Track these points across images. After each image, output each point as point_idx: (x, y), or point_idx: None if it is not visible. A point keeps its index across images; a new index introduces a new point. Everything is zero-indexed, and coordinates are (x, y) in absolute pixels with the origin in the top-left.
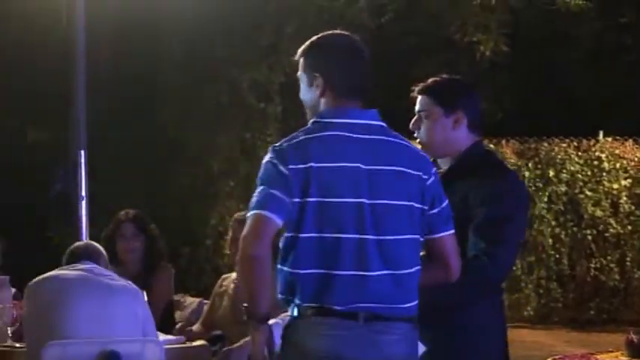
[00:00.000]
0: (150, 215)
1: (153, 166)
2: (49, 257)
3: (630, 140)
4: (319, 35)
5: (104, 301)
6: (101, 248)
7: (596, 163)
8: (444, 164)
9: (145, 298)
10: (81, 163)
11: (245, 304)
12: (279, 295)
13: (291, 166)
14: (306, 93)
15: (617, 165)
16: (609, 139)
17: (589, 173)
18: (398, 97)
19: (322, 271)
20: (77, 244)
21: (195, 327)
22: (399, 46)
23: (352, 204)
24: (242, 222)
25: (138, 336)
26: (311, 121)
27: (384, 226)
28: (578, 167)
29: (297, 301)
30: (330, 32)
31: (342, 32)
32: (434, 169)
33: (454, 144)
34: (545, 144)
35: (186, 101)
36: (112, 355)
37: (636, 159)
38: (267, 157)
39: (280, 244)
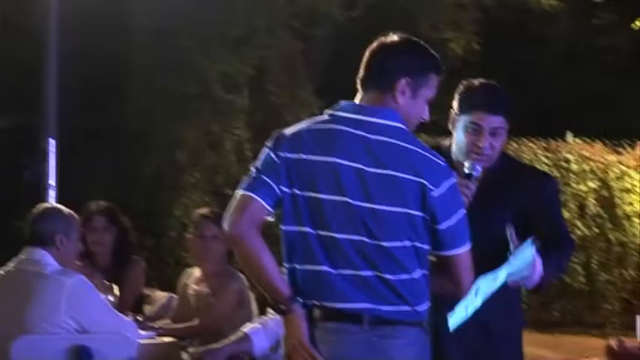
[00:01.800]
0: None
1: (118, 156)
2: (17, 247)
3: (599, 142)
4: None
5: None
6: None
7: (564, 164)
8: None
9: (117, 291)
10: (50, 151)
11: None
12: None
13: (282, 155)
14: None
15: (585, 167)
16: (578, 140)
17: (557, 174)
18: None
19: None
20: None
21: (165, 322)
22: (369, 41)
23: (335, 202)
24: (206, 217)
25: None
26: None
27: (377, 230)
28: (546, 168)
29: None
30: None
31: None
32: (449, 182)
33: None
34: (514, 144)
35: (154, 92)
36: (83, 350)
37: (604, 161)
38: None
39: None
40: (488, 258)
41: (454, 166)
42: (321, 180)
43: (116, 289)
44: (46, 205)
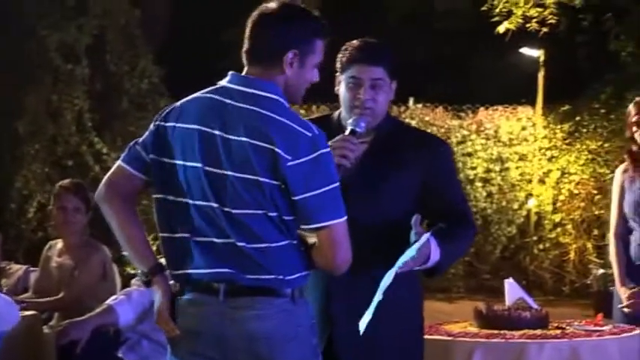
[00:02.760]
0: None
1: None
2: None
3: (440, 107)
4: None
5: None
6: None
7: None
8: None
9: None
10: None
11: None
12: None
13: (158, 123)
14: None
15: (428, 131)
16: (419, 105)
17: None
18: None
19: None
20: None
21: (27, 295)
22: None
23: (188, 167)
24: (69, 189)
25: None
26: None
27: (226, 197)
28: None
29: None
30: None
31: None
32: (314, 154)
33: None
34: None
35: None
36: None
37: (446, 126)
38: None
39: None
40: (376, 234)
41: (344, 131)
42: (179, 147)
43: None
44: None
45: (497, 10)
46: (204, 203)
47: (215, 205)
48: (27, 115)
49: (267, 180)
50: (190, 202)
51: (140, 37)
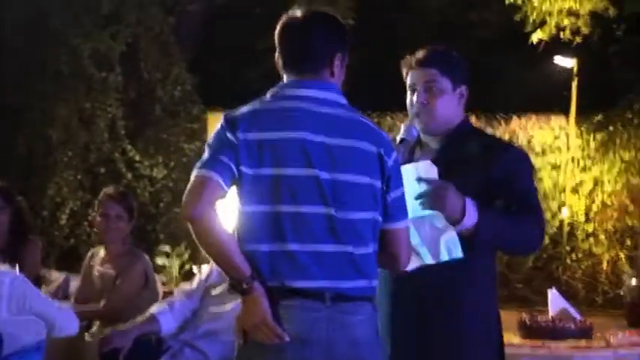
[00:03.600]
0: None
1: None
2: None
3: (473, 116)
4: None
5: None
6: None
7: None
8: (434, 143)
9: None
10: None
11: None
12: None
13: (240, 135)
14: None
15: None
16: None
17: None
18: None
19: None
20: None
21: (69, 303)
22: (246, 18)
23: (304, 176)
24: (113, 196)
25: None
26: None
27: (344, 202)
28: None
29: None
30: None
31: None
32: (395, 153)
33: (453, 121)
34: (388, 118)
35: (27, 69)
36: None
37: None
38: (218, 124)
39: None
40: None
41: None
42: (288, 156)
43: (17, 271)
44: None
45: (531, 20)
46: (316, 210)
47: (328, 211)
48: (60, 123)
49: (378, 182)
50: (304, 210)
51: (174, 44)
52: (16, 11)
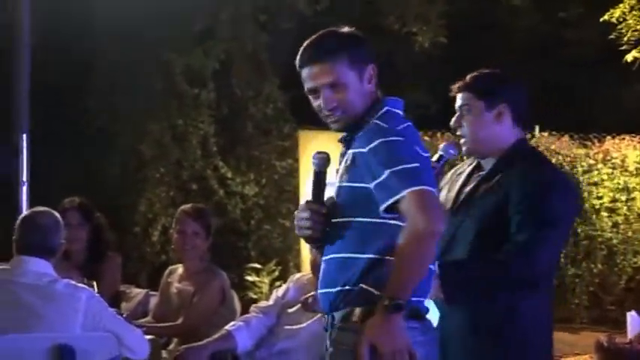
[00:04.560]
0: None
1: (84, 151)
2: None
3: (566, 135)
4: (346, 30)
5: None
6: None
7: None
8: (488, 165)
9: (96, 289)
10: (23, 146)
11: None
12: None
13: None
14: (359, 88)
15: (553, 160)
16: (545, 133)
17: None
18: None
19: None
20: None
21: (146, 320)
22: None
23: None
24: (189, 213)
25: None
26: (385, 109)
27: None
28: None
29: None
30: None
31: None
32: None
33: (498, 141)
34: None
35: (119, 87)
36: (65, 349)
37: (572, 155)
38: (395, 137)
39: None
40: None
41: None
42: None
43: (95, 287)
44: (39, 210)
45: (626, 39)
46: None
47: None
48: (152, 140)
49: None
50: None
51: (266, 62)
52: (110, 26)
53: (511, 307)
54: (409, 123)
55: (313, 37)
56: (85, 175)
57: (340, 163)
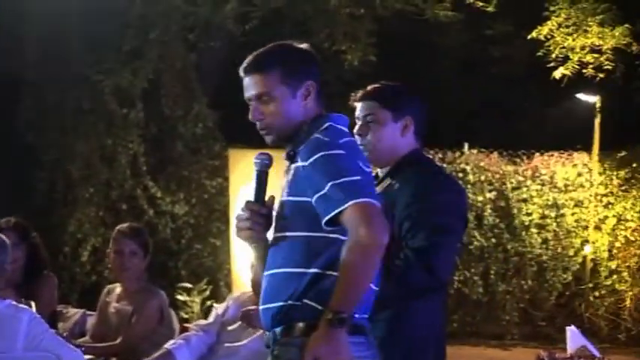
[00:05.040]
0: None
1: (10, 171)
2: None
3: (495, 152)
4: (291, 46)
5: None
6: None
7: (460, 175)
8: (382, 173)
9: (34, 309)
10: None
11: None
12: None
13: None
14: (291, 103)
15: (482, 177)
16: (474, 150)
17: None
18: None
19: None
20: None
21: (84, 339)
22: None
23: None
24: (125, 233)
25: None
26: (327, 124)
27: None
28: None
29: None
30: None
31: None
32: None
33: (399, 151)
34: None
35: (46, 106)
36: None
37: (501, 171)
38: (336, 150)
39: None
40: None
41: None
42: None
43: (34, 307)
44: None
45: (554, 56)
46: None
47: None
48: (80, 159)
49: None
50: None
51: (195, 81)
52: (37, 47)
53: (398, 315)
54: (351, 138)
55: (260, 49)
56: (13, 194)
57: (285, 178)
